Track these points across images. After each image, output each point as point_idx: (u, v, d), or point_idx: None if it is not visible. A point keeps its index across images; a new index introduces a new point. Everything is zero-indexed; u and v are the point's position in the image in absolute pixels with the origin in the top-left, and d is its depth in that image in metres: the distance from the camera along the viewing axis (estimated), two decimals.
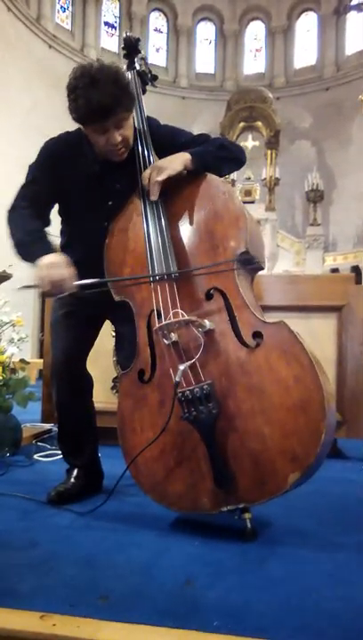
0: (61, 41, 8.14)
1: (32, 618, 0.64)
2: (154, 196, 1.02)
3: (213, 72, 10.11)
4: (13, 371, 1.60)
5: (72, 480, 1.17)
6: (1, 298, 1.76)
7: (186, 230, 1.02)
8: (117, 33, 9.46)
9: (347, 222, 8.60)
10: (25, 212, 1.08)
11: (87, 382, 1.22)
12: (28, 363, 1.71)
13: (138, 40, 1.27)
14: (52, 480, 1.21)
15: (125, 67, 1.20)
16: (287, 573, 0.79)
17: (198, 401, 0.90)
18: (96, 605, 0.67)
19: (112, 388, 1.81)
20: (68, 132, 1.13)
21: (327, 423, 0.84)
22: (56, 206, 1.18)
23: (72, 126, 1.12)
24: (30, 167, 1.14)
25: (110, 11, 9.45)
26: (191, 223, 1.01)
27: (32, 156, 1.16)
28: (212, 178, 1.03)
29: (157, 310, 0.99)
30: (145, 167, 1.07)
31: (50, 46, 7.96)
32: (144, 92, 1.24)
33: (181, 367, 0.91)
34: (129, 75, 1.20)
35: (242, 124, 8.07)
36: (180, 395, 0.92)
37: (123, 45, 1.26)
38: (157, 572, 0.78)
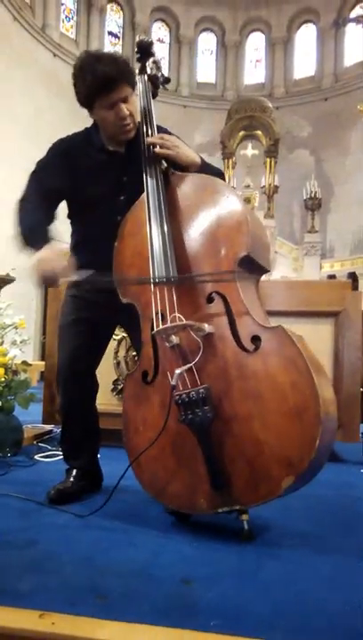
0: (66, 50, 8.25)
1: (31, 616, 0.65)
2: (152, 151, 1.06)
3: (214, 82, 10.24)
4: (15, 372, 1.61)
5: (71, 480, 1.18)
6: (4, 300, 1.77)
7: (188, 232, 1.02)
8: (120, 42, 9.60)
9: (344, 230, 8.67)
10: (31, 205, 1.10)
11: (91, 388, 1.23)
12: (29, 365, 1.72)
13: (151, 44, 1.26)
14: (52, 480, 1.21)
15: (137, 70, 1.20)
16: (285, 575, 0.79)
17: (194, 404, 0.91)
18: (95, 605, 0.68)
19: (112, 390, 1.82)
20: (75, 132, 1.20)
21: (323, 429, 0.84)
22: (65, 211, 1.19)
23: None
24: (39, 160, 1.17)
25: (114, 21, 9.60)
26: (194, 225, 1.02)
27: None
28: (216, 181, 1.03)
29: (160, 312, 0.99)
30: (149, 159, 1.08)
31: (54, 55, 8.06)
32: (155, 95, 1.23)
33: (178, 371, 0.92)
34: (140, 79, 1.19)
35: (242, 133, 8.17)
36: (176, 398, 0.93)
37: (136, 49, 1.24)
38: (156, 572, 0.79)
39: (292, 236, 8.99)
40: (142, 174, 1.08)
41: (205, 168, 1.11)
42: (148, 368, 1.02)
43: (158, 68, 1.22)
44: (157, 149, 1.07)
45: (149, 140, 1.09)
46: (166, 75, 1.25)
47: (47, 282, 1.01)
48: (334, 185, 9.02)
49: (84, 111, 1.16)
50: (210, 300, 0.96)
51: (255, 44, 10.31)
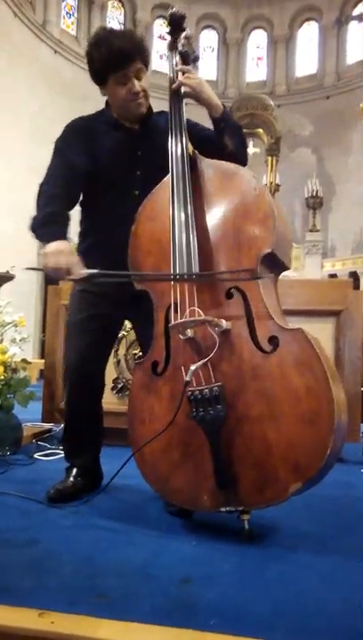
0: (67, 46, 8.21)
1: (31, 615, 0.65)
2: (176, 85, 1.08)
3: (215, 79, 10.19)
4: (15, 370, 1.61)
5: (71, 479, 1.18)
6: (4, 298, 1.77)
7: (212, 223, 0.98)
8: None
9: (346, 229, 8.65)
10: (51, 191, 1.08)
11: (99, 388, 1.22)
12: (29, 363, 1.72)
13: (184, 17, 1.16)
14: (51, 479, 1.21)
15: (166, 46, 1.14)
16: (285, 575, 0.79)
17: (207, 402, 0.89)
18: (94, 604, 0.67)
19: (112, 389, 1.81)
20: (87, 114, 1.19)
21: (335, 437, 0.82)
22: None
23: None
24: (58, 139, 1.15)
25: (115, 17, 9.55)
26: (218, 217, 0.98)
27: (39, 160, 1.18)
28: (244, 172, 0.99)
29: (175, 304, 0.96)
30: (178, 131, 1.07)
31: (55, 52, 8.03)
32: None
33: (193, 367, 0.90)
34: (169, 55, 1.14)
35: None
36: (189, 394, 0.91)
37: (168, 21, 1.15)
38: (155, 572, 0.78)
39: (293, 235, 8.98)
40: (157, 151, 1.07)
41: (229, 117, 1.10)
42: (158, 359, 0.99)
43: (190, 44, 1.13)
44: (183, 81, 1.06)
45: (175, 86, 1.08)
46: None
47: (58, 276, 1.00)
48: (335, 184, 8.99)
49: (86, 108, 1.16)
50: (229, 295, 0.93)
51: (257, 41, 10.26)
